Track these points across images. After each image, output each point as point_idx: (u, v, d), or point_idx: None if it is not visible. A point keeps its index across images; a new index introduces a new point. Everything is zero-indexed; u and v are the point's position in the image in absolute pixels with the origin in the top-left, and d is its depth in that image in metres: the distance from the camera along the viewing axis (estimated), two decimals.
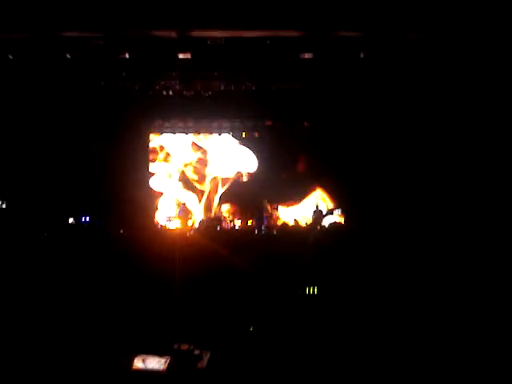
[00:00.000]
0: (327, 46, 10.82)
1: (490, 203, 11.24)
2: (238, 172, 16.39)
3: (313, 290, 7.98)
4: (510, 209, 10.62)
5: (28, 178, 12.52)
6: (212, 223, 14.64)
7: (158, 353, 4.85)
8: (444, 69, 11.59)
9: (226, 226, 15.03)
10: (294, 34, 10.44)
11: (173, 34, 10.26)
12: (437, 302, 6.41)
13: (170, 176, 16.14)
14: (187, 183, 16.36)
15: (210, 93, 13.61)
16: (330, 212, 15.22)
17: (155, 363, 4.57)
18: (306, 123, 15.60)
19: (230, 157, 16.47)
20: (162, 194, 15.99)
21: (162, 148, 16.14)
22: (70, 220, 12.89)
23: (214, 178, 16.56)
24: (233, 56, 11.28)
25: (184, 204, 15.46)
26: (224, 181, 16.57)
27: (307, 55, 10.91)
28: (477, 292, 6.58)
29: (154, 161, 15.93)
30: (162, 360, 4.61)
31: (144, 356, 4.71)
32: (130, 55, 10.71)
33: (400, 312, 6.45)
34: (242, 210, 16.06)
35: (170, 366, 4.57)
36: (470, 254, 8.44)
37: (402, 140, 13.33)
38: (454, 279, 7.41)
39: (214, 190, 16.64)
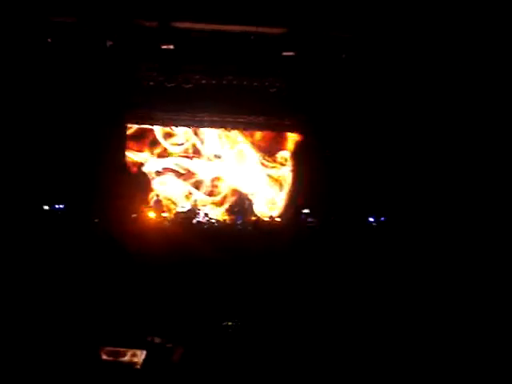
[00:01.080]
0: (310, 45, 10.84)
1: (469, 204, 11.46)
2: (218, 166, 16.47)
3: (284, 286, 8.03)
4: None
5: (1, 164, 12.33)
6: (188, 215, 14.62)
7: (133, 346, 4.85)
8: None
9: (202, 220, 14.99)
10: (277, 31, 10.45)
11: (156, 24, 10.19)
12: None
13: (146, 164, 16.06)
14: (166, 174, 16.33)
15: (191, 85, 13.54)
16: (300, 210, 15.48)
17: (130, 356, 4.57)
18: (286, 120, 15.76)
19: (210, 151, 16.55)
20: (140, 184, 15.92)
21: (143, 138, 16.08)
22: (45, 207, 12.73)
23: (193, 172, 16.59)
24: (216, 49, 11.25)
25: (158, 195, 15.32)
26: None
27: (289, 53, 10.94)
28: (451, 290, 6.67)
29: (136, 150, 15.86)
30: (137, 353, 4.62)
31: (118, 349, 4.70)
32: (113, 43, 10.59)
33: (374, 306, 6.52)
34: (219, 204, 16.09)
35: (144, 360, 4.57)
36: (438, 250, 8.61)
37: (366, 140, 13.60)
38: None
39: (193, 183, 16.65)
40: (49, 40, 10.73)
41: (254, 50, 11.06)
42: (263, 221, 15.03)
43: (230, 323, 5.56)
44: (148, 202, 15.38)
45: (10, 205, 11.25)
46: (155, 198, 15.47)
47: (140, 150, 16.10)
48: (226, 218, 15.36)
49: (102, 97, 13.46)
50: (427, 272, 8.01)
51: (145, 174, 15.87)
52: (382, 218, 13.92)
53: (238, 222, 14.75)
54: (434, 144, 12.65)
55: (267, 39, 10.63)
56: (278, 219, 15.46)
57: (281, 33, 10.46)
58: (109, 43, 10.55)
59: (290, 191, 16.48)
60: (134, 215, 14.56)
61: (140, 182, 15.83)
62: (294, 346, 4.87)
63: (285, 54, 10.91)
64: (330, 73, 12.99)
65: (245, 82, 13.38)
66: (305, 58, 11.45)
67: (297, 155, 15.76)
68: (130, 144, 15.79)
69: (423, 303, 6.32)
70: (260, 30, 10.41)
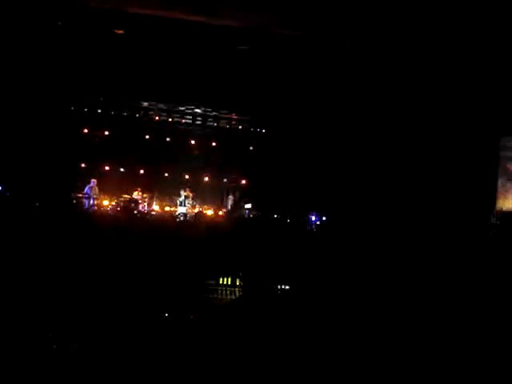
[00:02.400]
0: (264, 41, 10.85)
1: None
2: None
3: (227, 280, 7.98)
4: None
5: None
6: (128, 205, 14.48)
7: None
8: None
9: (143, 210, 14.87)
10: (232, 23, 10.38)
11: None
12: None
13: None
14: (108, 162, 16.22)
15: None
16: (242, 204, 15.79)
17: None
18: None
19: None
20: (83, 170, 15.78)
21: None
22: None
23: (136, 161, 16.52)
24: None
25: (94, 182, 15.03)
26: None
27: (243, 47, 10.91)
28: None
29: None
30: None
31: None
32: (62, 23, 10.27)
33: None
34: (161, 194, 16.08)
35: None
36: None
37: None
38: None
39: (134, 172, 16.56)
40: None
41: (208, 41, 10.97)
42: (204, 213, 15.14)
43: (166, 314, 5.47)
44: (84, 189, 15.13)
45: None
46: (90, 184, 15.13)
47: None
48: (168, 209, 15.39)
49: (48, 78, 13.10)
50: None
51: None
52: (323, 218, 14.26)
53: (181, 214, 14.77)
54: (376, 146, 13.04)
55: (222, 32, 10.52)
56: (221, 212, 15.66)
57: (235, 26, 10.41)
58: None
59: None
60: (75, 201, 14.33)
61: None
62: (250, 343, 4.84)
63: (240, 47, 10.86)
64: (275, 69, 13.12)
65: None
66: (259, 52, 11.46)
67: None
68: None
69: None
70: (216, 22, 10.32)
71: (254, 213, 15.46)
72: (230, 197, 16.67)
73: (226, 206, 16.34)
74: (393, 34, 10.17)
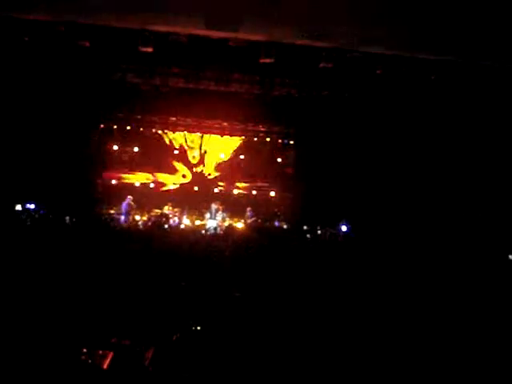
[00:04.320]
0: (292, 54, 10.92)
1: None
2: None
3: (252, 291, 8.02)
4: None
5: None
6: (159, 220, 14.63)
7: (97, 347, 4.80)
8: None
9: (172, 224, 14.99)
10: (255, 37, 10.47)
11: (135, 26, 10.12)
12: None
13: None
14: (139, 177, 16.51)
15: (168, 89, 13.60)
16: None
17: (96, 358, 4.54)
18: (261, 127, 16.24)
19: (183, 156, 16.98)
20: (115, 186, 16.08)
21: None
22: (17, 207, 12.62)
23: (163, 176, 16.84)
24: (194, 54, 11.27)
25: (129, 198, 15.27)
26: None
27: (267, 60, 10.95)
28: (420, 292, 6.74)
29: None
30: (103, 355, 4.58)
31: (85, 350, 4.66)
32: (90, 44, 10.47)
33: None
34: (190, 209, 16.20)
35: (111, 361, 4.54)
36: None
37: None
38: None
39: (163, 187, 16.83)
40: (25, 39, 10.53)
41: (231, 55, 11.08)
42: (234, 226, 15.22)
43: (196, 326, 5.55)
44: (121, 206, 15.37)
45: None
46: (126, 200, 15.40)
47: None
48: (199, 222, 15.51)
49: (78, 98, 13.40)
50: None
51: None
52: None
53: (212, 228, 14.85)
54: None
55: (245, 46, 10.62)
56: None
57: (260, 40, 10.48)
58: (86, 43, 10.38)
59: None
60: (108, 217, 14.56)
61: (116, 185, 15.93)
62: (271, 349, 4.89)
63: (263, 61, 10.90)
64: (307, 82, 13.24)
65: (222, 88, 13.50)
66: (284, 66, 11.54)
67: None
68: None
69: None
70: (240, 36, 10.41)
71: (283, 224, 15.55)
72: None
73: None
74: None
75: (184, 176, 17.19)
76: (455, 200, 12.44)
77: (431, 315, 5.52)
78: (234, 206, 16.59)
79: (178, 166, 17.13)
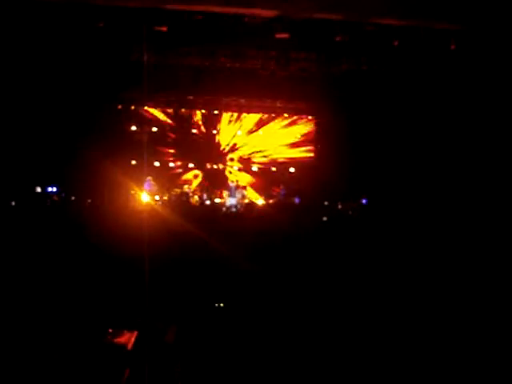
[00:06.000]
0: (307, 28, 10.78)
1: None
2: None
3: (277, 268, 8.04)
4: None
5: None
6: (180, 198, 14.72)
7: (123, 327, 4.88)
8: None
9: (194, 202, 15.07)
10: (270, 13, 10.37)
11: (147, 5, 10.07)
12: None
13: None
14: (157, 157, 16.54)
15: (184, 67, 13.55)
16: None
17: (122, 337, 4.60)
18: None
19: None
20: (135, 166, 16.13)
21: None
22: (37, 189, 12.73)
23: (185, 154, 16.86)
24: (209, 31, 11.18)
25: (150, 179, 15.36)
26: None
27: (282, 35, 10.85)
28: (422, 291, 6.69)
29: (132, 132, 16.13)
30: (129, 334, 4.65)
31: (110, 330, 4.74)
32: (105, 25, 10.45)
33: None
34: (211, 186, 16.24)
35: (136, 340, 4.61)
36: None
37: None
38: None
39: (184, 165, 16.85)
40: (40, 21, 10.53)
41: (247, 31, 10.97)
42: (255, 204, 15.24)
43: (221, 304, 5.60)
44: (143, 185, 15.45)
45: (6, 186, 11.23)
46: (147, 180, 15.49)
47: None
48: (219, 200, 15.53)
49: (95, 79, 13.39)
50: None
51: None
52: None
53: (230, 205, 14.87)
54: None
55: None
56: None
57: (275, 15, 10.38)
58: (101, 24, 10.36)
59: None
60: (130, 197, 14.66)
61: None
62: (288, 332, 4.92)
63: (278, 36, 10.80)
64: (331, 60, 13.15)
65: (238, 65, 13.42)
66: (300, 41, 11.43)
67: None
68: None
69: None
70: (252, 11, 10.32)
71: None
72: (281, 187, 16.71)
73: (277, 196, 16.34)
74: None
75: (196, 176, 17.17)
76: (480, 182, 12.06)
77: (438, 304, 5.50)
78: (252, 184, 16.65)
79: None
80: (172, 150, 16.80)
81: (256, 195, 16.39)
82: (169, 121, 16.74)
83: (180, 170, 16.82)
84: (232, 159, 17.22)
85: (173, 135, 16.78)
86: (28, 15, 10.21)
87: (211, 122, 17.13)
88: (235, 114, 17.09)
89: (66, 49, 11.93)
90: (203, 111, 16.92)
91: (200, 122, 17.06)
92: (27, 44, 11.37)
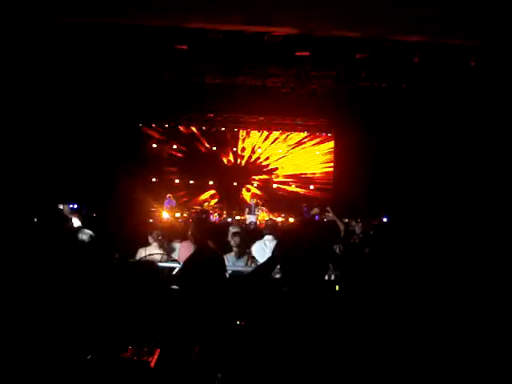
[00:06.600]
0: (327, 46, 10.82)
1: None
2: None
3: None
4: None
5: (17, 162, 12.40)
6: (200, 216, 14.74)
7: (143, 344, 4.83)
8: None
9: (213, 220, 15.09)
10: (290, 30, 10.42)
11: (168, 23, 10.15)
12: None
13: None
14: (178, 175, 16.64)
15: (205, 86, 13.66)
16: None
17: (142, 354, 4.56)
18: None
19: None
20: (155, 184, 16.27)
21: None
22: (60, 206, 12.81)
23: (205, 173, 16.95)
24: (229, 50, 11.27)
25: (170, 196, 15.45)
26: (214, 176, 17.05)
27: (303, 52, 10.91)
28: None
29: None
30: (151, 351, 4.61)
31: (131, 347, 4.70)
32: (126, 44, 10.59)
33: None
34: (230, 205, 16.29)
35: (159, 358, 4.57)
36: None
37: None
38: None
39: (203, 184, 16.95)
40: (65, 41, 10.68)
41: (267, 50, 11.03)
42: (275, 222, 15.19)
43: (242, 324, 5.52)
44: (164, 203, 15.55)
45: (28, 203, 11.30)
46: (167, 198, 15.59)
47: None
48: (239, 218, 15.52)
49: (117, 97, 13.53)
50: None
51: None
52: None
53: (251, 222, 14.86)
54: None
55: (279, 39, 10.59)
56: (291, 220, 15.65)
57: (295, 33, 10.43)
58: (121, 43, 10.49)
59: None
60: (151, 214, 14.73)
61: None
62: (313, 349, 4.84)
63: (298, 53, 10.86)
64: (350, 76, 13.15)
65: (259, 83, 13.48)
66: (320, 59, 11.46)
67: None
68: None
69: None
70: (272, 30, 10.38)
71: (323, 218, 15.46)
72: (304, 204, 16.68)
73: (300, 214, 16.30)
74: None
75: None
76: (504, 198, 11.88)
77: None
78: (272, 202, 16.66)
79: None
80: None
81: (276, 213, 16.39)
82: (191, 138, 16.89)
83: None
84: (254, 179, 17.32)
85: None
86: (50, 36, 10.37)
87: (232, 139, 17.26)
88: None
89: (88, 68, 12.09)
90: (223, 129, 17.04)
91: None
92: (51, 63, 11.55)
